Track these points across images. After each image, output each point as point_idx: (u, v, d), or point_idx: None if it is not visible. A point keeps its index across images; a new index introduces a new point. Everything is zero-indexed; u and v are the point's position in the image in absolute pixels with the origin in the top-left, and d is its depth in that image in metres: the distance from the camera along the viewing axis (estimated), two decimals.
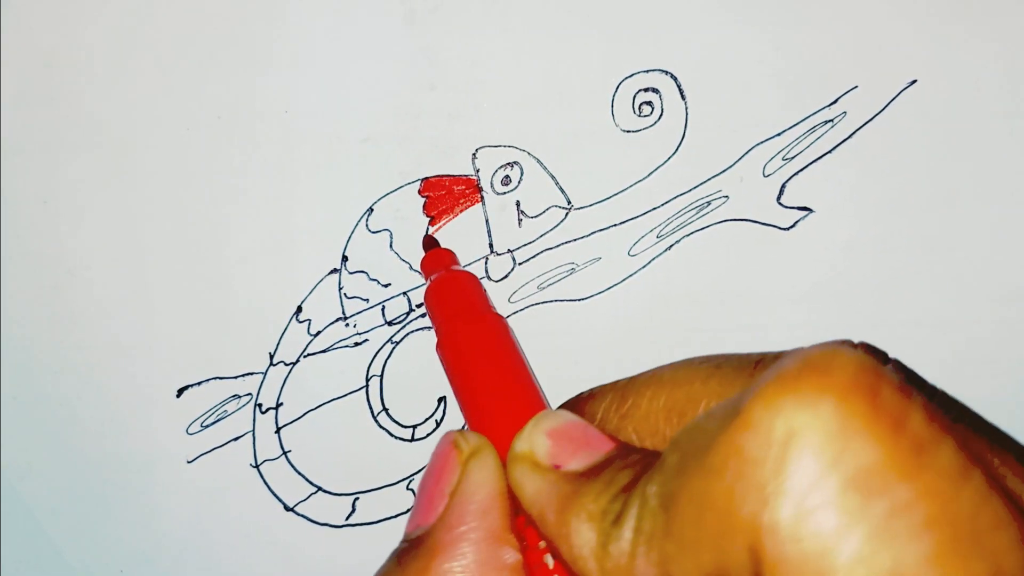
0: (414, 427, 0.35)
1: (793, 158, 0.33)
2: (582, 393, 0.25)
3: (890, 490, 0.14)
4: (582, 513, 0.19)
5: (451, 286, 0.29)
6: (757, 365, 0.21)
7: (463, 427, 0.25)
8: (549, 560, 0.20)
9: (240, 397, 0.35)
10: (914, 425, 0.15)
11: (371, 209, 0.34)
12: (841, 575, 0.14)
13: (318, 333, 0.34)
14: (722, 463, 0.15)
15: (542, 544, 0.20)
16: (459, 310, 0.28)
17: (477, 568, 0.21)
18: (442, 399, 0.35)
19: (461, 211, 0.33)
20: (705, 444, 0.16)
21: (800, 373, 0.15)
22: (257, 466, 0.35)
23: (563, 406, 0.25)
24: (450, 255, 0.32)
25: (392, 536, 0.35)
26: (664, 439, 0.22)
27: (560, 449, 0.21)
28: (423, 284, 0.34)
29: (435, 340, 0.28)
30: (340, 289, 0.34)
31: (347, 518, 0.36)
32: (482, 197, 0.33)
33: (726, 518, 0.15)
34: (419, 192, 0.33)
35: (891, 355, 0.22)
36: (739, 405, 0.15)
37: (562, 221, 0.33)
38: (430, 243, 0.33)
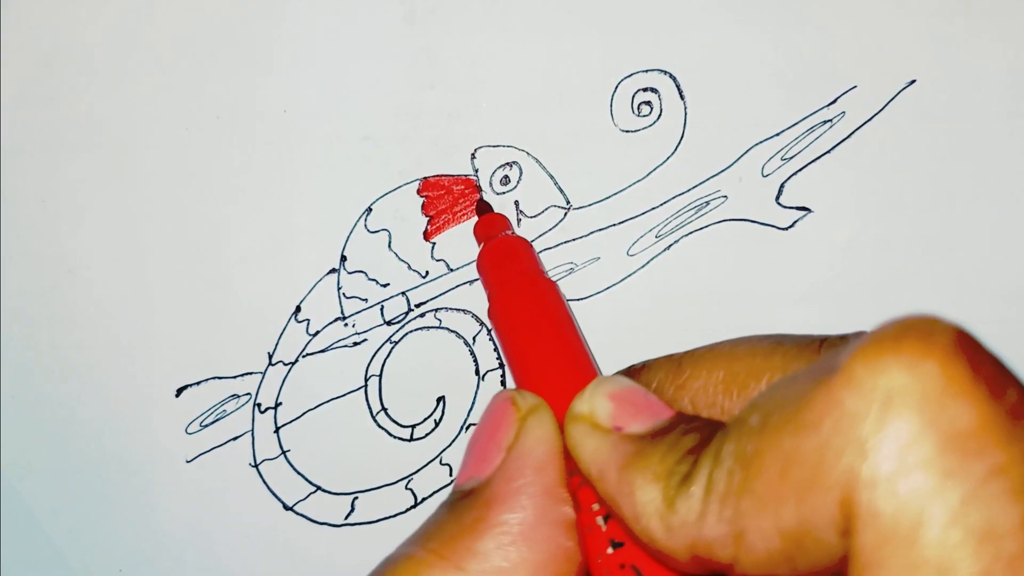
0: (413, 427, 0.35)
1: (792, 158, 0.33)
2: (635, 364, 0.25)
3: (988, 453, 0.14)
4: (647, 472, 0.18)
5: (504, 251, 0.29)
6: (823, 344, 0.21)
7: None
8: (602, 522, 0.20)
9: (239, 397, 0.35)
10: (1012, 393, 0.15)
11: (370, 209, 0.34)
12: (936, 531, 0.14)
13: (317, 333, 0.34)
14: (818, 417, 0.15)
15: (595, 507, 0.20)
16: (512, 275, 0.28)
17: (534, 521, 0.20)
18: (441, 399, 0.35)
19: (460, 211, 0.33)
20: (796, 401, 0.16)
21: (903, 334, 0.15)
22: (256, 465, 0.35)
23: (620, 372, 0.25)
24: (503, 220, 0.32)
25: (392, 536, 0.35)
26: (722, 411, 0.22)
27: (622, 411, 0.21)
28: (422, 283, 0.34)
29: (485, 305, 0.28)
30: (339, 289, 0.34)
31: (346, 517, 0.36)
32: (481, 197, 0.33)
33: (819, 472, 0.15)
34: (418, 192, 0.33)
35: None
36: (835, 364, 0.16)
37: (561, 221, 0.33)
38: (483, 207, 0.33)
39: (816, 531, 0.15)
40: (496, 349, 0.34)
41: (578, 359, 0.25)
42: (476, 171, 0.33)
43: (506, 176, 0.33)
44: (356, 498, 0.35)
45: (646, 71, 0.32)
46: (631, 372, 0.24)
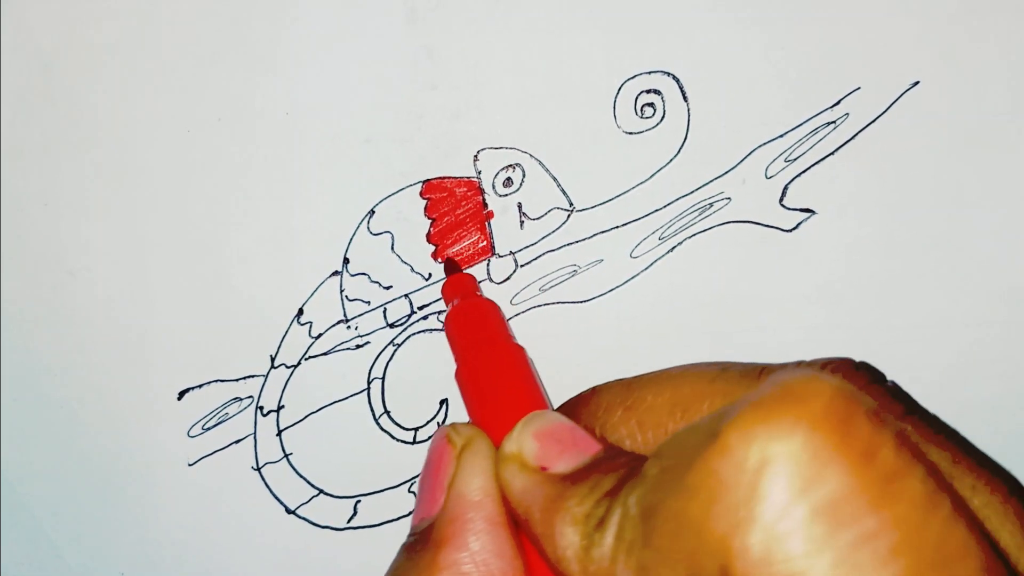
0: (416, 430, 0.35)
1: (795, 159, 0.33)
2: (586, 391, 0.25)
3: (858, 519, 0.15)
4: (567, 516, 0.19)
5: (472, 314, 0.30)
6: (762, 373, 0.22)
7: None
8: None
9: (241, 400, 0.35)
10: (885, 455, 0.15)
11: (372, 211, 0.33)
12: None
13: (319, 335, 0.34)
14: (698, 484, 0.16)
15: None
16: (479, 339, 0.28)
17: (483, 557, 0.21)
18: (443, 401, 0.34)
19: (463, 213, 0.33)
20: (685, 462, 0.16)
21: (775, 401, 0.16)
22: (259, 469, 0.35)
23: (570, 400, 0.26)
24: (471, 280, 0.33)
25: (394, 538, 0.35)
26: (666, 432, 0.22)
27: (547, 451, 0.21)
28: (425, 286, 0.34)
29: (443, 351, 0.28)
30: (342, 291, 0.34)
31: (349, 521, 0.35)
32: (484, 199, 0.33)
33: (700, 537, 0.16)
34: (420, 194, 0.33)
35: (888, 376, 0.23)
36: (717, 428, 0.16)
37: (564, 223, 0.33)
38: (452, 267, 0.33)
39: None
40: None
41: (531, 404, 0.25)
42: (479, 173, 0.33)
43: (509, 178, 0.33)
44: (359, 501, 0.35)
45: (649, 72, 0.32)
46: (582, 398, 0.25)
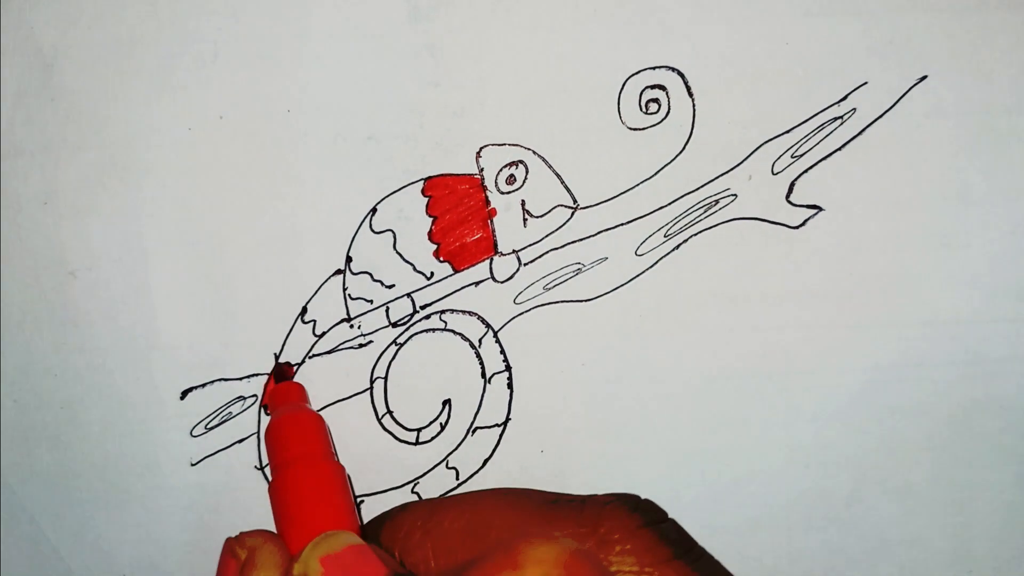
0: (419, 430, 0.35)
1: (802, 155, 0.32)
2: (397, 506, 0.27)
3: None
4: None
5: (292, 427, 0.31)
6: (555, 502, 0.24)
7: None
8: None
9: (245, 399, 0.35)
10: None
11: (375, 209, 0.33)
12: None
13: (323, 334, 0.34)
14: None
15: None
16: (296, 454, 0.29)
17: None
18: (447, 402, 0.34)
19: (466, 211, 0.33)
20: None
21: (494, 569, 0.18)
22: (262, 468, 0.35)
23: (378, 516, 0.27)
24: (298, 389, 0.33)
25: None
26: (456, 559, 0.24)
27: (330, 574, 0.22)
28: (427, 285, 0.34)
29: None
30: (344, 290, 0.34)
31: None
32: (487, 197, 0.33)
33: None
34: (422, 192, 0.33)
35: (669, 514, 0.24)
36: None
37: (568, 220, 0.33)
38: (280, 374, 0.34)
39: None
40: (503, 351, 0.34)
41: (340, 524, 0.26)
42: (481, 170, 0.33)
43: (512, 175, 0.33)
44: (362, 501, 0.35)
45: (654, 68, 0.32)
46: (390, 514, 0.26)
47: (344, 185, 0.33)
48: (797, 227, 0.33)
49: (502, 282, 0.34)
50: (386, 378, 0.34)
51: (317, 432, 0.31)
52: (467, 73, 0.32)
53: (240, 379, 0.35)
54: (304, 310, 0.34)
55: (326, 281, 0.34)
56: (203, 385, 0.35)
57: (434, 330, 0.34)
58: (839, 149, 0.32)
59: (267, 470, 0.35)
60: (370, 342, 0.34)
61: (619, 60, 0.32)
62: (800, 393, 0.33)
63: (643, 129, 0.33)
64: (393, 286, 0.34)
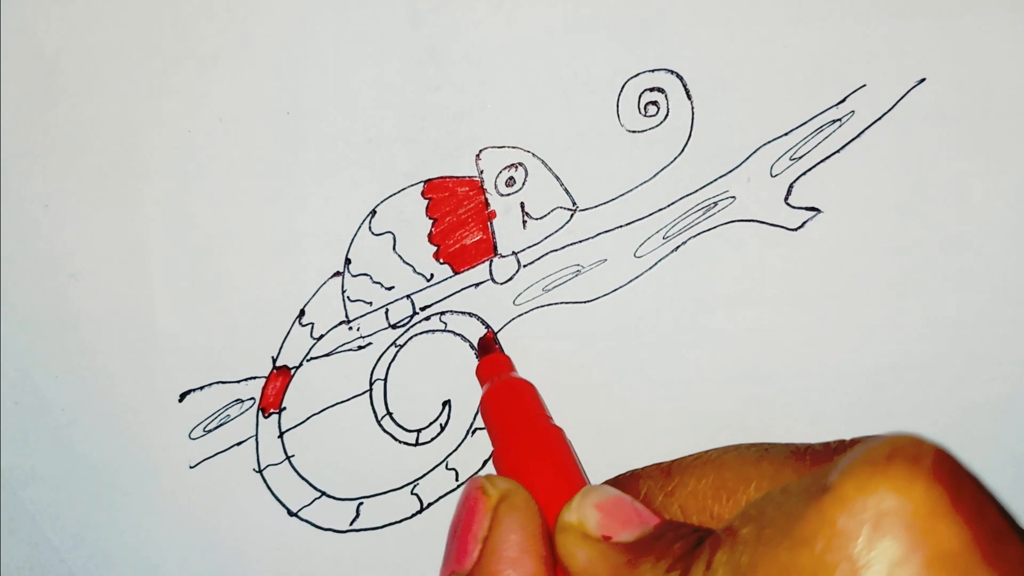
0: (418, 431, 0.34)
1: (801, 158, 0.32)
2: (624, 473, 0.25)
3: (971, 573, 0.15)
4: None
5: (509, 395, 0.30)
6: (808, 452, 0.22)
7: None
8: None
9: (243, 401, 0.35)
10: (992, 515, 0.16)
11: (374, 211, 0.33)
12: None
13: (321, 337, 0.34)
14: (812, 534, 0.16)
15: None
16: (518, 421, 0.28)
17: None
18: (446, 403, 0.34)
19: (465, 213, 0.33)
20: (790, 516, 0.17)
21: (890, 457, 0.16)
22: (260, 471, 0.35)
23: (610, 480, 0.26)
24: (507, 361, 0.33)
25: (397, 542, 0.35)
26: (711, 516, 0.23)
27: (609, 520, 0.21)
28: (427, 287, 0.34)
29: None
30: (343, 292, 0.34)
31: (351, 523, 0.35)
32: (486, 199, 0.33)
33: None
34: (422, 194, 0.33)
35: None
36: (826, 481, 0.17)
37: (567, 223, 0.33)
38: (486, 347, 0.33)
39: None
40: (503, 352, 0.34)
41: (576, 481, 0.25)
42: (481, 172, 0.33)
43: (511, 177, 0.33)
44: (361, 503, 0.35)
45: (652, 71, 0.32)
46: (619, 481, 0.25)
47: (343, 187, 0.33)
48: (796, 229, 0.33)
49: (502, 284, 0.34)
50: (386, 380, 0.34)
51: (534, 398, 0.30)
52: (467, 76, 0.33)
53: (238, 382, 0.35)
54: (302, 312, 0.34)
55: (324, 283, 0.34)
56: (201, 388, 0.35)
57: (434, 331, 0.34)
58: (838, 152, 0.32)
59: (265, 473, 0.35)
60: (369, 344, 0.34)
61: (618, 63, 0.32)
62: (799, 394, 0.33)
63: (642, 131, 0.33)
64: (393, 288, 0.34)
